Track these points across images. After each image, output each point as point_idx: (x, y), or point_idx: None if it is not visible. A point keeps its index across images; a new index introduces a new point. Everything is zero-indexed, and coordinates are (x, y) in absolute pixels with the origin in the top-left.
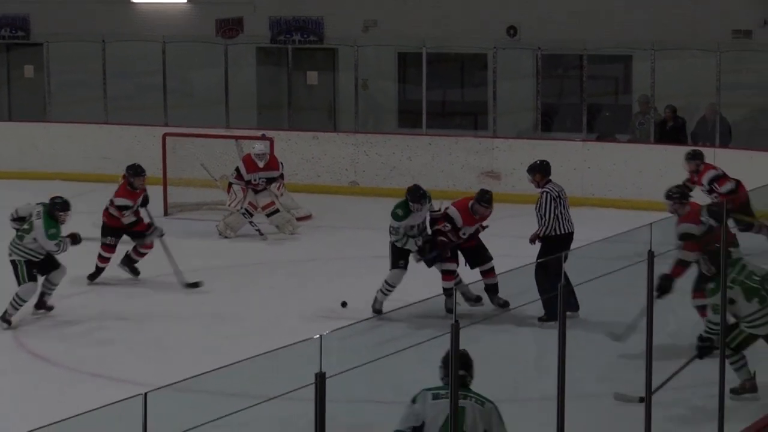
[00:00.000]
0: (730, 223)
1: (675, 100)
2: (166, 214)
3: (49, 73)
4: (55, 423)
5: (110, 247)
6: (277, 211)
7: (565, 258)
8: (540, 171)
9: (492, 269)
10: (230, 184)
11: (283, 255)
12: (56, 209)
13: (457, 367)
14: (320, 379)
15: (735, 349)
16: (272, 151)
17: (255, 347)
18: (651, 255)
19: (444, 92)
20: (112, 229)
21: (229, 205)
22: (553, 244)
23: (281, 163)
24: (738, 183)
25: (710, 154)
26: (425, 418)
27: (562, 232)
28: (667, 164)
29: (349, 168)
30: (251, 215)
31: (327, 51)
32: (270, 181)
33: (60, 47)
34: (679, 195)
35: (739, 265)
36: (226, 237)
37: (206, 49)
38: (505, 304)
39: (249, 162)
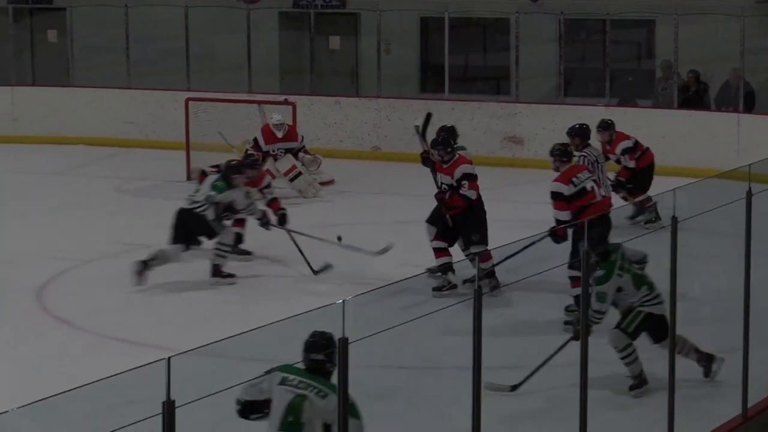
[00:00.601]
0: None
1: (698, 65)
2: (189, 178)
3: (72, 37)
4: (78, 387)
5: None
6: (300, 174)
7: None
8: (579, 135)
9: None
10: (246, 152)
11: (306, 220)
12: (230, 171)
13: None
14: (343, 344)
15: (632, 333)
16: (294, 118)
17: (278, 312)
18: (674, 221)
19: (466, 57)
20: None
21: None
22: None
23: (302, 136)
24: (647, 149)
25: (733, 120)
26: (271, 396)
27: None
28: (690, 129)
29: (372, 133)
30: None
31: (349, 15)
32: (289, 151)
33: (83, 12)
34: (560, 152)
35: (620, 251)
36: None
37: (228, 13)
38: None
39: (267, 133)
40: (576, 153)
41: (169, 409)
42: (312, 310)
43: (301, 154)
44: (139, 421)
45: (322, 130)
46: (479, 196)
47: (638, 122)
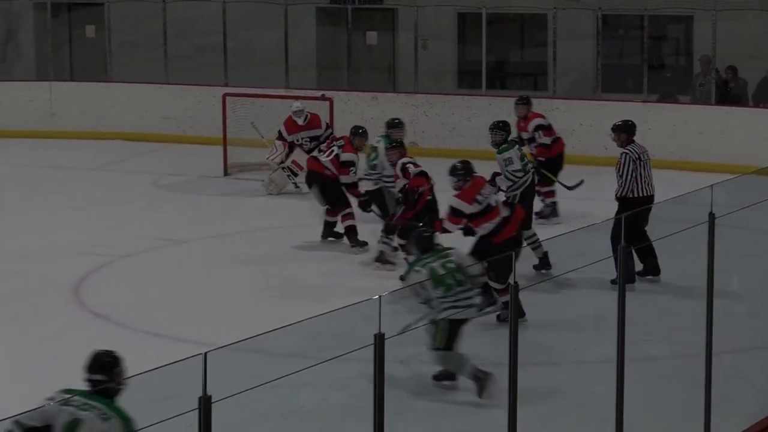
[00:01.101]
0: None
1: (736, 61)
2: (226, 174)
3: (110, 33)
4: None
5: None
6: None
7: (646, 222)
8: (625, 131)
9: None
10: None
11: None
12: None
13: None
14: (379, 340)
15: (447, 347)
16: (331, 113)
17: (314, 307)
18: (712, 217)
19: (504, 53)
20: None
21: (269, 159)
22: (631, 207)
23: (326, 123)
24: (558, 138)
25: None
26: (54, 421)
27: (641, 194)
28: (728, 126)
29: (409, 128)
30: (295, 175)
31: (386, 11)
32: (314, 140)
33: (121, 7)
34: (463, 172)
35: (446, 254)
36: (269, 193)
37: (266, 9)
38: None
39: (289, 123)
40: (621, 149)
41: (205, 404)
42: (348, 306)
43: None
44: (176, 416)
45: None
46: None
47: (676, 118)
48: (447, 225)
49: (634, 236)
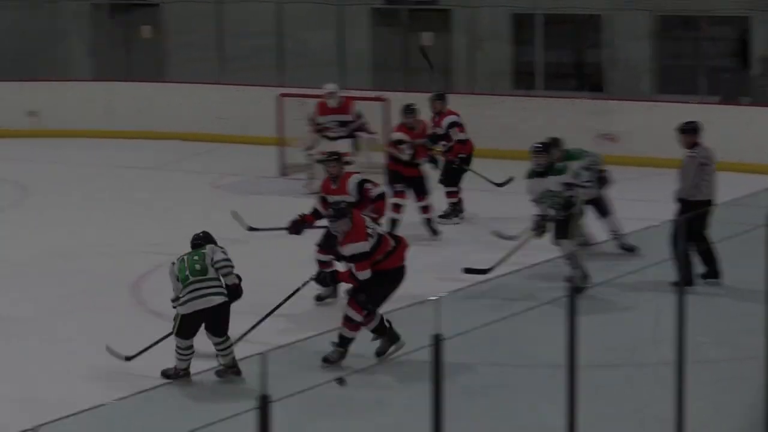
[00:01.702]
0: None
1: None
2: (282, 174)
3: (166, 33)
4: (172, 381)
5: (400, 193)
6: (350, 163)
7: (707, 225)
8: (691, 133)
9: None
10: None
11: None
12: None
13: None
14: (437, 341)
15: (185, 335)
16: (387, 114)
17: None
18: None
19: (559, 54)
20: (395, 174)
21: (298, 146)
22: (691, 210)
23: (359, 113)
24: (468, 139)
25: None
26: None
27: (700, 198)
28: None
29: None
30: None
31: (442, 12)
32: (343, 125)
33: (177, 8)
34: (336, 216)
35: (206, 248)
36: (312, 192)
37: (321, 10)
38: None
39: (321, 105)
40: (686, 151)
41: (263, 403)
42: (406, 306)
43: (358, 134)
44: (235, 415)
45: None
46: None
47: (734, 120)
48: (361, 275)
49: (694, 239)
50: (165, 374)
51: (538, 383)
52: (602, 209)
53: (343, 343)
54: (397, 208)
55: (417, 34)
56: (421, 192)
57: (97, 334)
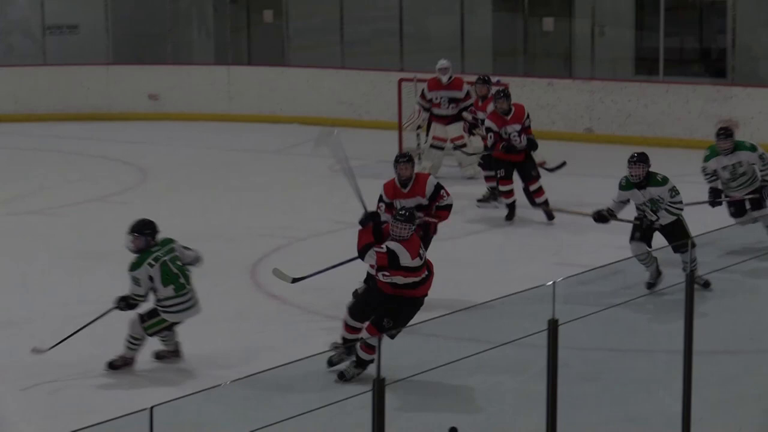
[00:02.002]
0: None
1: None
2: None
3: (287, 18)
4: (290, 363)
5: (505, 180)
6: (465, 146)
7: None
8: None
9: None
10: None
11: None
12: None
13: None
14: (553, 326)
15: (150, 334)
16: (509, 98)
17: (488, 292)
18: None
19: (682, 39)
20: (497, 161)
21: (406, 126)
22: None
23: (468, 91)
24: None
25: None
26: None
27: None
28: None
29: (584, 115)
30: (441, 148)
31: None
32: (453, 101)
33: None
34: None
35: (169, 245)
36: (470, 178)
37: None
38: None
39: (432, 81)
40: None
41: (379, 386)
42: (522, 291)
43: (465, 113)
44: (350, 397)
45: (534, 111)
46: None
47: None
48: (369, 258)
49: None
50: (112, 365)
51: (654, 369)
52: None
53: (361, 364)
54: (507, 194)
55: (538, 19)
56: (528, 176)
57: (216, 316)
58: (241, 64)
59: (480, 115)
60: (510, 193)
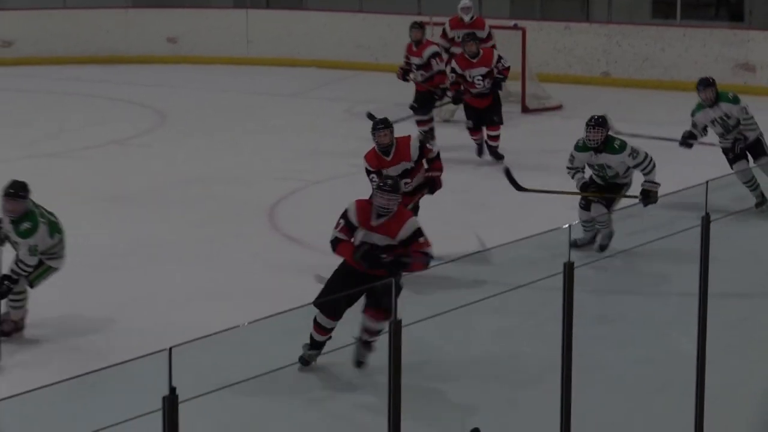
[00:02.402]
0: None
1: None
2: (411, 106)
3: None
4: (305, 305)
5: (474, 131)
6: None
7: None
8: None
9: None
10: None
11: (537, 144)
12: None
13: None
14: (569, 269)
15: (35, 285)
16: (524, 43)
17: (503, 235)
18: None
19: None
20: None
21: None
22: None
23: (489, 30)
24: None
25: None
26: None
27: None
28: None
29: (601, 59)
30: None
31: None
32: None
33: None
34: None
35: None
36: (445, 121)
37: None
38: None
39: (454, 20)
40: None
41: (396, 327)
42: (538, 234)
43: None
44: (367, 340)
45: (551, 55)
46: None
47: None
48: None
49: None
50: (3, 332)
51: (668, 312)
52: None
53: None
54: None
55: None
56: (491, 121)
57: (234, 258)
58: (259, 8)
59: (414, 60)
60: (477, 134)
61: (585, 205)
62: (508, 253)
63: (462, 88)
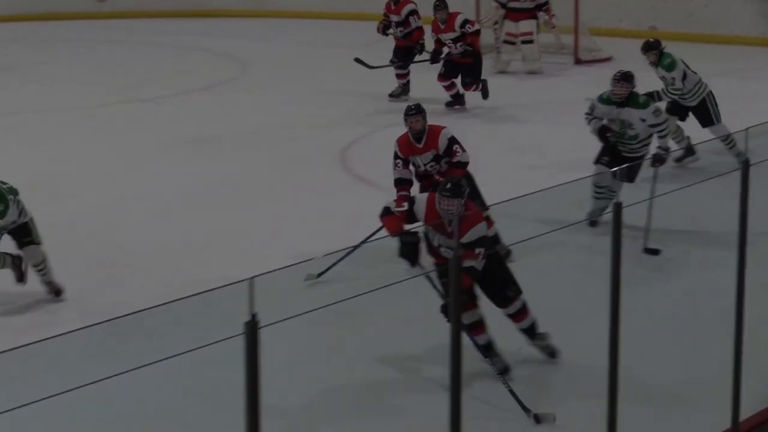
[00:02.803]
0: None
1: None
2: None
3: None
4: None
5: (442, 77)
6: (531, 42)
7: None
8: None
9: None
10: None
11: (588, 93)
12: None
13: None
14: (617, 209)
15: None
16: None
17: (550, 178)
18: None
19: None
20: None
21: (482, 21)
22: None
23: None
24: None
25: None
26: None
27: None
28: None
29: (649, 13)
30: (512, 44)
31: None
32: None
33: None
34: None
35: None
36: (501, 72)
37: None
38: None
39: None
40: None
41: (457, 265)
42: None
43: (541, 13)
44: (407, 279)
45: (602, 11)
46: None
47: None
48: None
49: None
50: (57, 293)
51: (710, 251)
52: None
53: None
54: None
55: None
56: (464, 81)
57: (309, 197)
58: None
59: (393, 17)
60: (449, 87)
61: (608, 161)
62: (561, 193)
63: (442, 48)
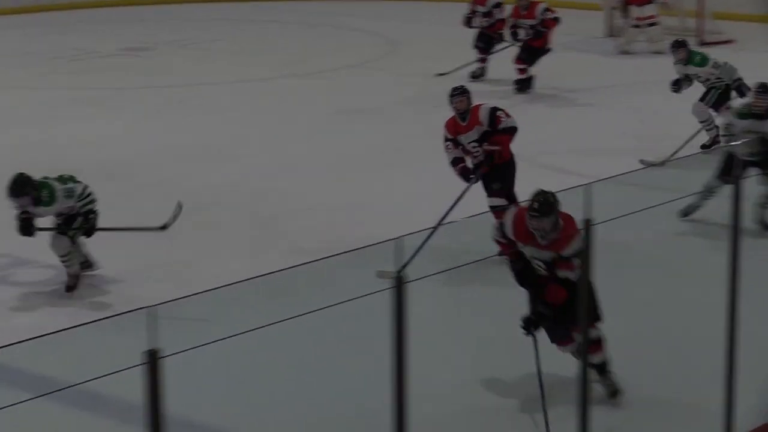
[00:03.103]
0: None
1: None
2: (610, 35)
3: None
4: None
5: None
6: (656, 24)
7: None
8: None
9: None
10: None
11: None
12: None
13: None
14: (737, 190)
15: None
16: None
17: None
18: None
19: None
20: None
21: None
22: None
23: None
24: None
25: None
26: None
27: None
28: None
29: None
30: (637, 26)
31: None
32: None
33: None
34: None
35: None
36: (621, 52)
37: None
38: None
39: None
40: None
41: (587, 227)
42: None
43: None
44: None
45: None
46: None
47: None
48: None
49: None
50: (70, 288)
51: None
52: None
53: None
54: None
55: None
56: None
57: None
58: None
59: (479, 8)
60: (523, 71)
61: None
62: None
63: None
